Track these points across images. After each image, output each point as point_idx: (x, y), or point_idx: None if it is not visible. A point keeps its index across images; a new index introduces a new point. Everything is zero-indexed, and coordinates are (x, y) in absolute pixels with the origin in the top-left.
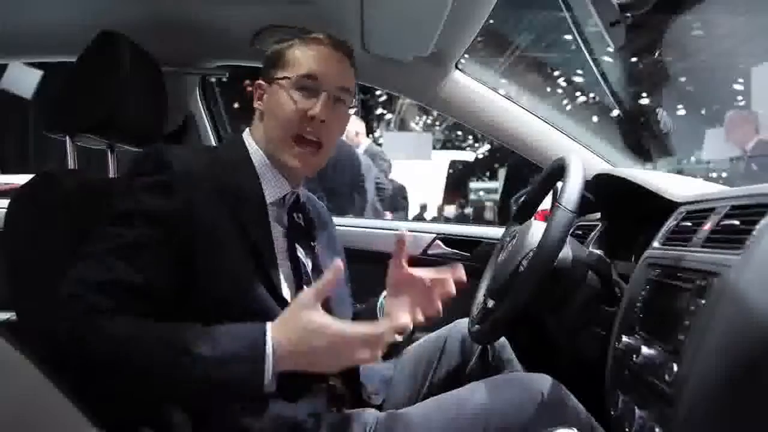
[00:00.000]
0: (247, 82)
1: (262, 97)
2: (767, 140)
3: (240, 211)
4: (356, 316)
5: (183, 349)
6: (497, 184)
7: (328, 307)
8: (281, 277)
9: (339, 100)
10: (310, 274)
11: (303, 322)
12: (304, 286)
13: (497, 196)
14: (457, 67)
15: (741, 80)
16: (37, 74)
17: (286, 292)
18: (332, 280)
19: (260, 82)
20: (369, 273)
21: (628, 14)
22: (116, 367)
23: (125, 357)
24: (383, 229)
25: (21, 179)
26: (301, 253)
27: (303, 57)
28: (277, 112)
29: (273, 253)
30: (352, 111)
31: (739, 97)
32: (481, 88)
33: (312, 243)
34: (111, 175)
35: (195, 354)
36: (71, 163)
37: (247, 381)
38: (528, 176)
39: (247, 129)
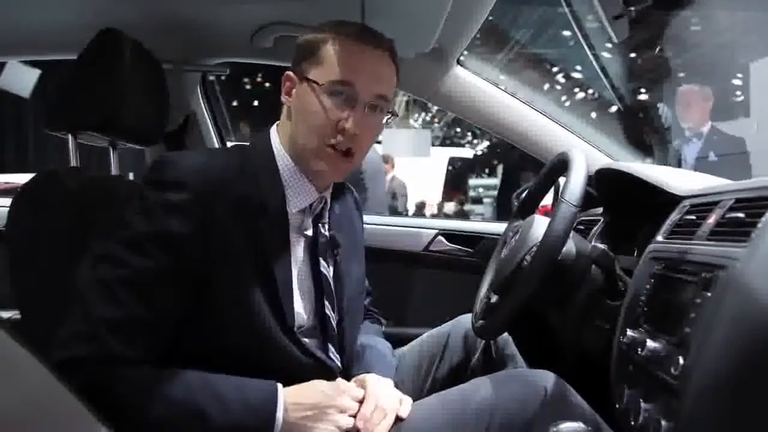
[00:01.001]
0: (288, 73)
1: (290, 92)
2: (721, 131)
3: (258, 226)
4: None
5: (194, 412)
6: (496, 181)
7: (342, 316)
8: (296, 295)
9: (374, 108)
10: (332, 285)
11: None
12: (326, 302)
13: (496, 193)
14: (458, 63)
15: (740, 75)
16: (34, 73)
17: (300, 309)
18: None
19: (290, 74)
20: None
21: (632, 8)
22: (124, 420)
23: (137, 414)
24: (386, 225)
25: (21, 179)
26: (324, 266)
27: (337, 58)
28: (305, 117)
29: (289, 276)
30: (387, 116)
31: (738, 92)
32: (482, 84)
33: (336, 251)
34: (113, 172)
35: (205, 420)
36: (73, 161)
37: None
38: (524, 170)
39: (275, 125)
